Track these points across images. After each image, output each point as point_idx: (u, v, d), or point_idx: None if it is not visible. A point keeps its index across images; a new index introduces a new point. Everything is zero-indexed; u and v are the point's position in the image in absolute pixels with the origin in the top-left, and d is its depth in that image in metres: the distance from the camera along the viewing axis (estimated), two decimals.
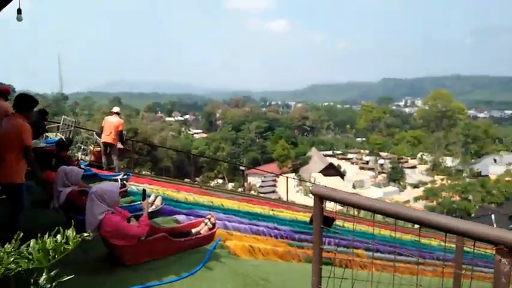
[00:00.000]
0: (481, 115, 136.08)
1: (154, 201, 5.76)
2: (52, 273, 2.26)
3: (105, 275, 3.69)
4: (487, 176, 51.36)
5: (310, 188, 3.10)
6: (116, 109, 10.81)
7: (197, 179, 54.54)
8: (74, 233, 2.44)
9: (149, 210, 5.45)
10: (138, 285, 3.47)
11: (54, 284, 2.24)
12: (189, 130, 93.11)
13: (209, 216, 4.78)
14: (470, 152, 65.92)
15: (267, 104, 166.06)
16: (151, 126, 69.12)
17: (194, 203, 7.42)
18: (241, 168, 53.44)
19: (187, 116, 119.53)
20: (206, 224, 4.66)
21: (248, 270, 3.91)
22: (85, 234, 2.49)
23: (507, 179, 44.54)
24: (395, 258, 6.21)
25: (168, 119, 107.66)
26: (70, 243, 2.38)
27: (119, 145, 10.51)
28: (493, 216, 34.37)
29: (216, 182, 55.32)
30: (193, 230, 4.62)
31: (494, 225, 32.91)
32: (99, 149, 10.82)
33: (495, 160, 60.76)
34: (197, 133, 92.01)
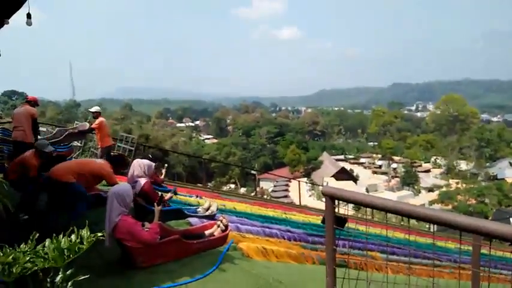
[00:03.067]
0: (495, 119, 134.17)
1: (209, 207, 6.14)
2: (68, 273, 2.28)
3: (119, 277, 3.70)
4: (503, 179, 50.53)
5: (321, 188, 3.08)
6: (95, 108, 10.15)
7: (209, 184, 54.63)
8: (88, 233, 2.46)
9: (205, 214, 5.84)
10: (152, 287, 3.47)
11: (69, 283, 2.26)
12: (200, 136, 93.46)
13: (221, 218, 4.80)
14: (485, 156, 64.85)
15: (277, 109, 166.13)
16: (163, 132, 69.57)
17: None
18: (253, 172, 53.39)
19: (197, 122, 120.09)
20: (219, 226, 4.68)
21: (261, 272, 3.89)
22: (99, 234, 2.50)
23: None
24: (411, 260, 6.12)
25: (179, 125, 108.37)
26: (84, 242, 2.40)
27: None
28: (511, 219, 33.79)
29: (228, 187, 55.35)
30: (206, 232, 4.64)
31: None
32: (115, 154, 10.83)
33: (511, 163, 59.70)
34: (208, 138, 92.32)
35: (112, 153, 9.50)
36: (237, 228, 5.61)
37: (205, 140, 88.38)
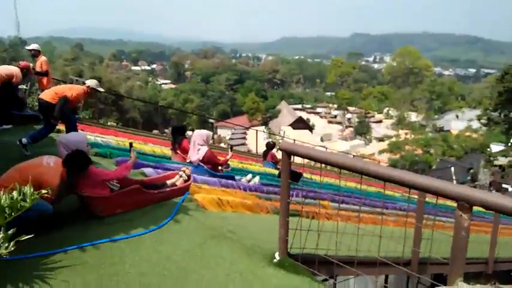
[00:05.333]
0: (446, 72, 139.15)
1: (251, 179, 6.84)
2: (10, 232, 2.16)
3: (70, 230, 3.60)
4: (449, 131, 53.53)
5: (280, 142, 3.09)
6: (34, 46, 9.13)
7: (166, 130, 53.81)
8: (32, 190, 2.33)
9: None
10: (105, 239, 3.42)
11: (11, 243, 2.15)
12: (157, 80, 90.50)
13: (184, 168, 4.82)
14: (434, 108, 68.03)
15: (237, 55, 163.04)
16: (117, 75, 66.64)
17: (162, 156, 7.32)
18: (211, 121, 52.98)
19: (154, 66, 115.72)
20: (181, 176, 4.69)
21: (215, 223, 3.93)
22: (43, 191, 2.38)
23: (467, 134, 46.59)
24: (360, 208, 6.46)
25: (134, 68, 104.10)
26: (27, 200, 2.27)
27: None
28: (452, 168, 36.20)
29: (186, 135, 54.89)
30: (168, 182, 4.62)
31: (454, 177, 34.83)
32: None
33: (457, 116, 63.19)
34: (165, 84, 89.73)
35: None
36: (194, 179, 5.58)
37: (162, 85, 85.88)
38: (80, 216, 3.86)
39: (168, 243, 3.47)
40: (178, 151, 7.06)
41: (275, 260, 3.13)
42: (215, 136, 54.80)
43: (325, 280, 3.56)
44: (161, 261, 3.16)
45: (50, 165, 3.60)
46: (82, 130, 7.61)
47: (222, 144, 44.12)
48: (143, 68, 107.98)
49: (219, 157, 7.04)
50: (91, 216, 3.84)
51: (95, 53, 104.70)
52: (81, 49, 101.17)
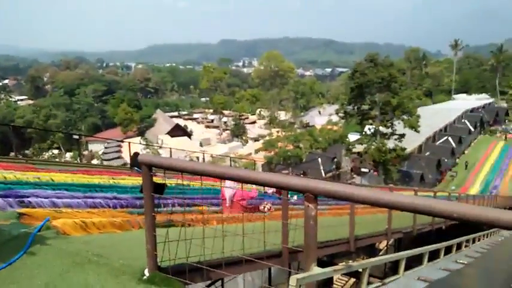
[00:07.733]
0: (307, 73, 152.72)
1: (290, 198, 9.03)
2: None
3: None
4: (314, 126, 58.81)
5: (139, 157, 2.98)
6: None
7: (27, 151, 48.14)
8: None
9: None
10: None
11: None
12: (11, 97, 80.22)
13: (264, 204, 6.86)
14: (300, 106, 74.01)
15: (104, 65, 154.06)
16: None
17: (15, 182, 6.46)
18: (75, 137, 48.38)
19: (6, 81, 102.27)
20: (264, 207, 6.74)
21: (79, 248, 3.60)
22: None
23: (329, 127, 51.89)
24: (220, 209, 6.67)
25: None
26: None
27: None
28: (319, 159, 39.84)
29: (50, 153, 49.73)
30: None
31: (321, 167, 38.30)
32: None
33: (319, 112, 69.92)
34: (21, 100, 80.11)
35: None
36: (53, 203, 5.07)
37: (18, 102, 76.54)
38: None
39: (22, 280, 3.08)
40: None
41: (145, 277, 3.02)
42: (86, 152, 50.83)
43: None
44: None
45: None
46: None
47: (95, 161, 41.21)
48: None
49: None
50: None
51: None
52: None
